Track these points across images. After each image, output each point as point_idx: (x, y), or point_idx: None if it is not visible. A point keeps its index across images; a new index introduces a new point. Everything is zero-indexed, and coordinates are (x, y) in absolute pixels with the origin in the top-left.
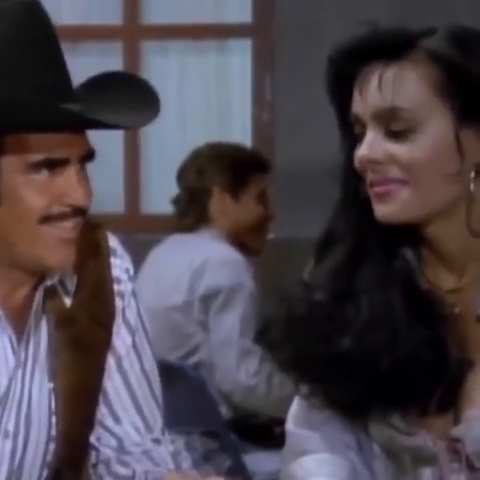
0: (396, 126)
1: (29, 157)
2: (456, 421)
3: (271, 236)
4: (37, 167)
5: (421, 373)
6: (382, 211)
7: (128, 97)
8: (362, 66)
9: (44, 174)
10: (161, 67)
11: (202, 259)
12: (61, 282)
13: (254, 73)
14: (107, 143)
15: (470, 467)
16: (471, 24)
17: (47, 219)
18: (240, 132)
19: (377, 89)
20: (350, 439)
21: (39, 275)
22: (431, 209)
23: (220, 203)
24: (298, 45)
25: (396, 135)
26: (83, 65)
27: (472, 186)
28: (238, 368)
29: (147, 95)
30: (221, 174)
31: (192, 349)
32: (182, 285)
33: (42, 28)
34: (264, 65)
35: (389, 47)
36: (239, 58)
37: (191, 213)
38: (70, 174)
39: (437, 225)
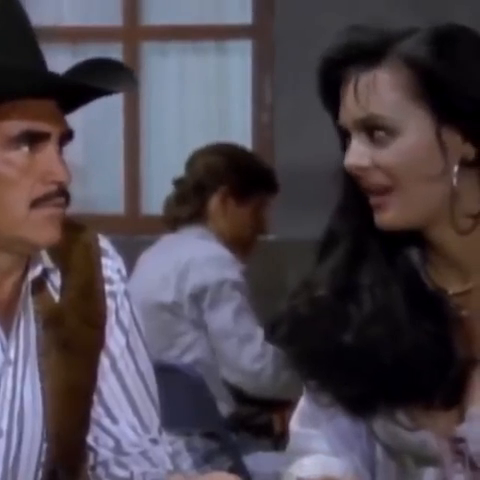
0: (376, 133)
1: (10, 130)
2: (460, 419)
3: (271, 237)
4: (17, 142)
5: (426, 368)
6: (380, 220)
7: (107, 70)
8: (344, 73)
9: (24, 150)
10: (161, 68)
11: (187, 259)
12: (45, 273)
13: (254, 74)
14: (107, 144)
15: (473, 468)
16: (471, 24)
17: (36, 203)
18: (240, 133)
19: (353, 98)
20: (354, 440)
21: (24, 263)
22: (425, 213)
23: (222, 203)
24: (298, 46)
25: (377, 141)
26: None
27: (455, 181)
28: (240, 356)
29: (123, 71)
30: (232, 176)
31: (185, 348)
32: (169, 286)
33: (17, 8)
34: (264, 66)
35: (364, 53)
36: (239, 59)
37: (190, 203)
38: (50, 150)
39: (440, 227)
